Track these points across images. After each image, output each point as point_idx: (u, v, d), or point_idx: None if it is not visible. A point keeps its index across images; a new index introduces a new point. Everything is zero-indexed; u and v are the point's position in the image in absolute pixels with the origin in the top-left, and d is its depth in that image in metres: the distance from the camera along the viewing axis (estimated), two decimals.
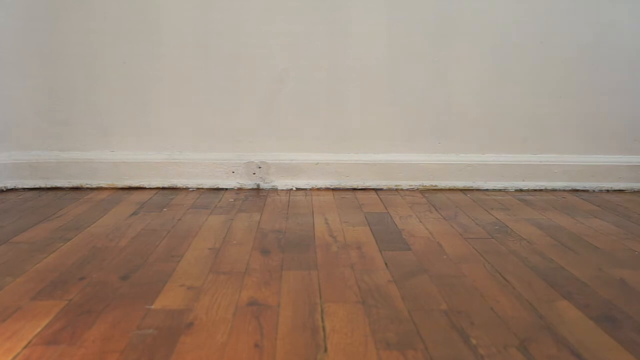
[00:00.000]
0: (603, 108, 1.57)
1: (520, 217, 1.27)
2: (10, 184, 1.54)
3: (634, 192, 1.57)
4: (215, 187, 1.56)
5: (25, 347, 0.66)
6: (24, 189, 1.54)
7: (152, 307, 0.77)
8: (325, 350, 0.65)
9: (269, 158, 1.55)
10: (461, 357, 0.64)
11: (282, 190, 1.55)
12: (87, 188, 1.55)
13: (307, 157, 1.57)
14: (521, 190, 1.57)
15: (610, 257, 1.00)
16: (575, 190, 1.57)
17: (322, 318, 0.74)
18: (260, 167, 1.56)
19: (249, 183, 1.57)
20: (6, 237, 1.10)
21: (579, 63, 1.55)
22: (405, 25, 1.52)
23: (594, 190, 1.58)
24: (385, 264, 0.95)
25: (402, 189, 1.56)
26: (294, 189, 1.56)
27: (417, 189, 1.57)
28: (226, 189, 1.56)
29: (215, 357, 0.64)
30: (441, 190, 1.56)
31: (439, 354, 0.65)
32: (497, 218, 1.26)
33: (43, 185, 1.55)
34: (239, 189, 1.56)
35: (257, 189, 1.56)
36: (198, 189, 1.55)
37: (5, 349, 0.65)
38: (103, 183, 1.55)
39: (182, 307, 0.77)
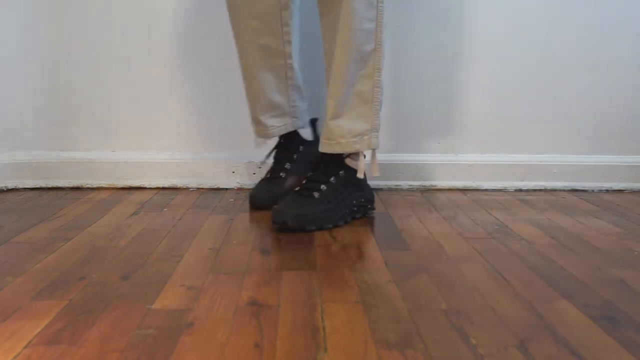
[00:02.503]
0: (603, 108, 1.58)
1: (520, 217, 1.27)
2: (10, 184, 1.54)
3: (634, 192, 1.57)
4: (215, 187, 1.56)
5: (25, 347, 0.66)
6: (25, 189, 1.54)
7: (152, 307, 0.77)
8: (325, 350, 0.66)
9: (269, 158, 1.55)
10: (461, 357, 0.64)
11: None
12: (88, 188, 1.55)
13: None
14: (521, 190, 1.57)
15: (610, 257, 1.00)
16: (575, 190, 1.57)
17: (322, 318, 0.74)
18: (260, 167, 1.56)
19: (249, 183, 1.57)
20: (6, 237, 1.10)
21: (579, 63, 1.55)
22: (405, 24, 1.52)
23: (593, 190, 1.58)
24: (385, 264, 0.95)
25: (402, 189, 1.56)
26: None
27: (417, 189, 1.57)
28: (226, 189, 1.56)
29: (215, 357, 0.64)
30: (441, 190, 1.56)
31: (438, 354, 0.65)
32: (497, 218, 1.26)
33: (43, 185, 1.55)
34: (239, 189, 1.56)
35: None
36: (198, 189, 1.55)
37: (5, 349, 0.66)
38: (103, 183, 1.55)
39: (182, 307, 0.77)
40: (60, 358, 0.64)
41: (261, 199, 1.32)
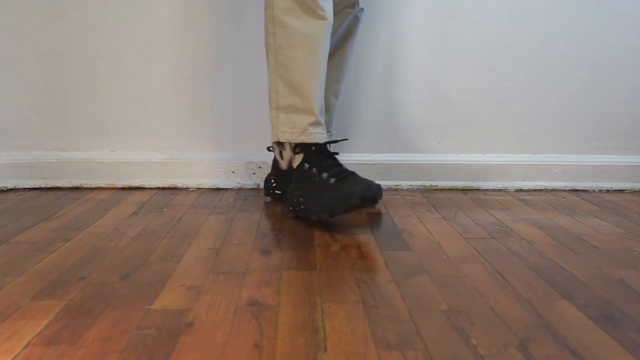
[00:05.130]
0: (603, 108, 1.58)
1: (520, 217, 1.27)
2: (10, 184, 1.54)
3: (634, 192, 1.57)
4: (215, 187, 1.56)
5: (25, 347, 0.66)
6: (24, 189, 1.54)
7: (152, 307, 0.77)
8: (325, 350, 0.65)
9: (269, 158, 1.55)
10: (461, 357, 0.64)
11: None
12: (87, 188, 1.55)
13: None
14: (521, 190, 1.57)
15: (610, 257, 1.00)
16: (575, 190, 1.57)
17: (322, 318, 0.74)
18: (260, 167, 1.56)
19: (249, 183, 1.57)
20: (6, 237, 1.10)
21: (579, 63, 1.55)
22: (402, 23, 1.52)
23: (594, 190, 1.58)
24: (385, 264, 0.95)
25: (402, 189, 1.57)
26: None
27: (417, 189, 1.57)
28: (226, 189, 1.56)
29: (215, 357, 0.64)
30: (441, 190, 1.56)
31: (439, 354, 0.65)
32: (497, 218, 1.26)
33: (43, 185, 1.55)
34: (239, 189, 1.56)
35: (257, 189, 1.56)
36: (198, 189, 1.55)
37: (5, 349, 0.65)
38: (103, 183, 1.55)
39: (182, 307, 0.77)
40: (60, 358, 0.64)
41: None
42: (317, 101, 1.19)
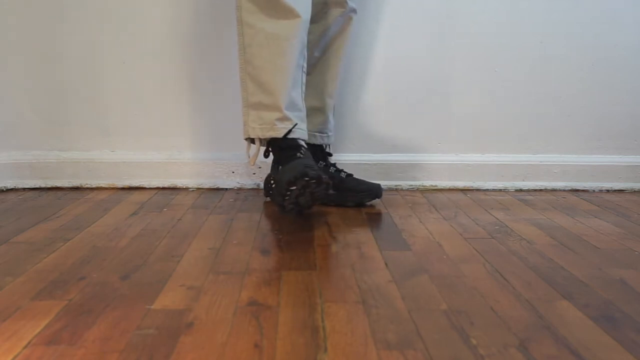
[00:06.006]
0: (603, 108, 1.58)
1: (520, 217, 1.27)
2: (10, 184, 1.54)
3: (634, 192, 1.57)
4: (215, 187, 1.56)
5: (25, 347, 0.66)
6: (24, 189, 1.54)
7: (152, 307, 0.77)
8: (325, 350, 0.65)
9: (269, 158, 1.55)
10: (461, 357, 0.64)
11: None
12: (87, 188, 1.55)
13: None
14: (521, 190, 1.57)
15: (610, 257, 1.00)
16: (575, 190, 1.57)
17: (322, 318, 0.74)
18: (260, 167, 1.56)
19: (249, 183, 1.57)
20: (6, 237, 1.10)
21: (579, 63, 1.55)
22: (400, 24, 1.52)
23: (594, 190, 1.58)
24: (385, 264, 0.95)
25: (402, 189, 1.57)
26: None
27: (417, 189, 1.57)
28: (226, 189, 1.56)
29: (215, 357, 0.64)
30: (441, 190, 1.56)
31: (439, 354, 0.65)
32: (497, 218, 1.26)
33: (43, 185, 1.55)
34: (239, 189, 1.56)
35: (257, 189, 1.56)
36: (198, 189, 1.55)
37: (5, 349, 0.65)
38: (103, 183, 1.55)
39: (182, 307, 0.77)
40: (60, 358, 0.64)
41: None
42: (284, 97, 1.21)
